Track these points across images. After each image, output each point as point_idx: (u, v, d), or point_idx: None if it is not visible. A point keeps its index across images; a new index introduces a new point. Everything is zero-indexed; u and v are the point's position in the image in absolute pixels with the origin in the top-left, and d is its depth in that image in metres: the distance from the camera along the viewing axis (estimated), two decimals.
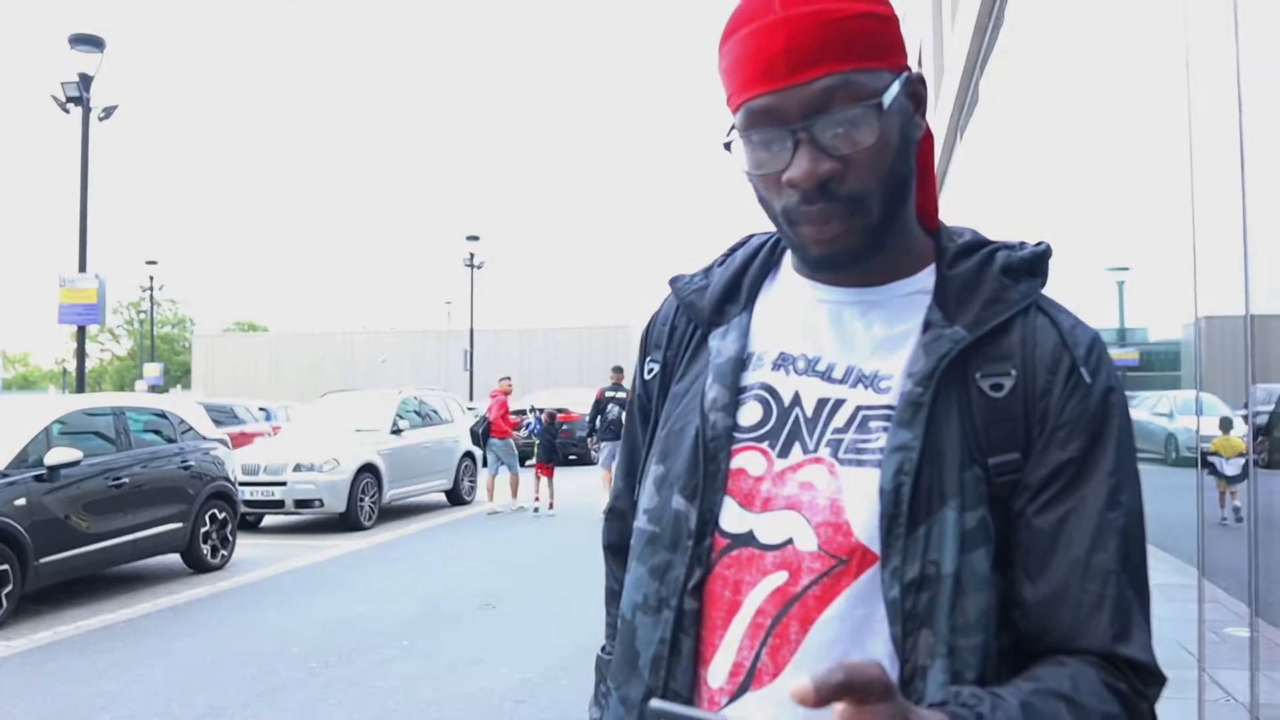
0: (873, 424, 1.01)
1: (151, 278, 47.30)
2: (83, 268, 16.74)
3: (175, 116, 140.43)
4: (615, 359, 19.06)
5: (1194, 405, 3.43)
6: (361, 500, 13.31)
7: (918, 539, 0.95)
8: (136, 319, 75.11)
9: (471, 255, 39.43)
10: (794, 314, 1.10)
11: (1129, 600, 0.94)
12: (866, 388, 1.03)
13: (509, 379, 15.79)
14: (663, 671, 1.03)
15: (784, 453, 1.04)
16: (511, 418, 15.52)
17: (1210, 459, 3.20)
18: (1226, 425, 3.02)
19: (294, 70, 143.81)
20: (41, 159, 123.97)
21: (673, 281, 1.22)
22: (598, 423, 14.52)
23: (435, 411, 16.41)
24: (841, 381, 1.04)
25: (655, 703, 0.78)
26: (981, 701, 0.86)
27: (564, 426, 18.62)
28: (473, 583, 9.18)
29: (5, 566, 7.66)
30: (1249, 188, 2.70)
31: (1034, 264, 1.06)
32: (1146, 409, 4.53)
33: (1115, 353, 5.00)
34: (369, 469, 13.60)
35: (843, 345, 1.06)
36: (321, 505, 12.94)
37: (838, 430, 1.02)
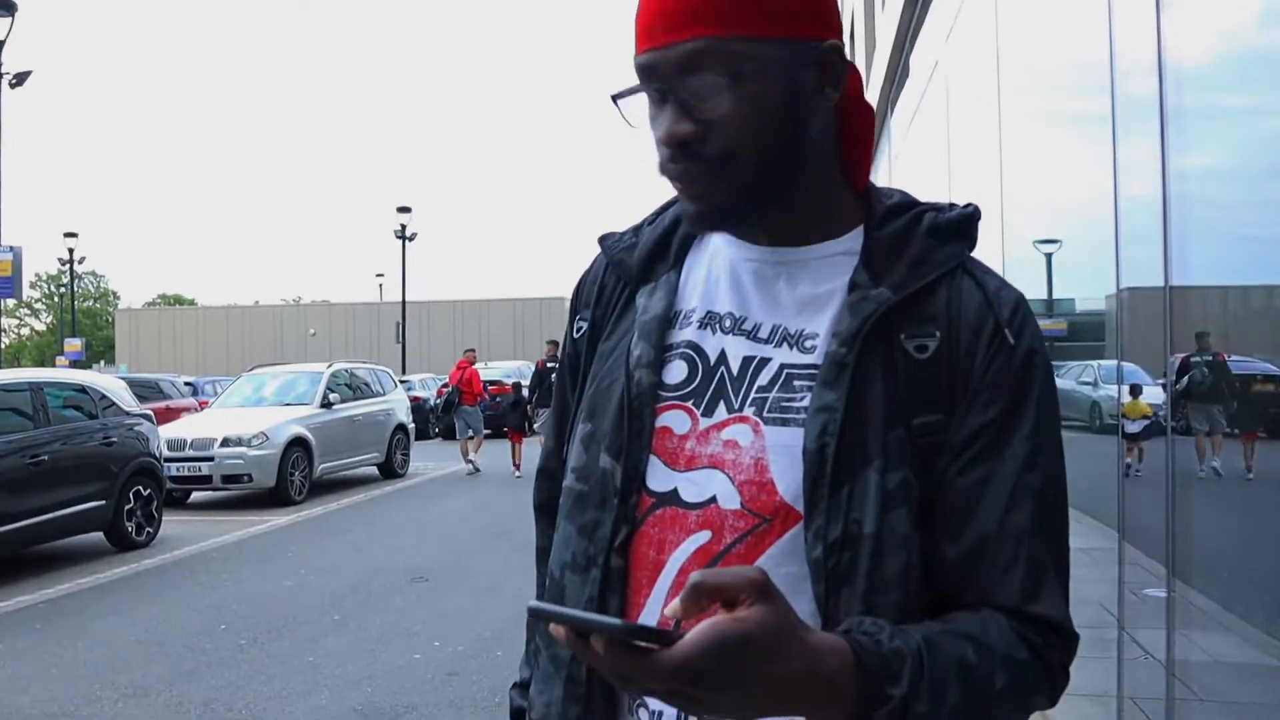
0: (797, 383, 1.01)
1: (71, 250, 45.78)
2: None
3: (94, 82, 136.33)
4: (551, 331, 19.83)
5: (1115, 374, 3.51)
6: (291, 475, 13.13)
7: (841, 499, 0.95)
8: (56, 293, 72.95)
9: (403, 227, 38.85)
10: (721, 273, 1.10)
11: (1042, 560, 0.96)
12: (792, 347, 1.03)
13: (474, 350, 17.42)
14: None
15: (708, 411, 1.04)
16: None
17: (1121, 420, 3.30)
18: (1136, 391, 3.12)
19: (221, 35, 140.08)
20: None
21: (602, 239, 1.21)
22: (536, 392, 15.68)
23: (367, 384, 16.25)
24: (767, 341, 1.04)
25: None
26: (882, 630, 0.87)
27: (496, 399, 19.12)
28: (404, 556, 9.12)
29: None
30: (1169, 162, 2.75)
31: (961, 226, 1.06)
32: (1072, 378, 4.63)
33: (1044, 323, 5.10)
34: (299, 443, 13.42)
35: (768, 305, 1.06)
36: (250, 480, 12.75)
37: (762, 389, 1.02)
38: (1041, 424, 0.98)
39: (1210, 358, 2.72)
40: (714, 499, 1.00)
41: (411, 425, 17.00)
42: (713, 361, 1.06)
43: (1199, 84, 2.74)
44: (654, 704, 1.01)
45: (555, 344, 15.83)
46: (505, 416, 16.62)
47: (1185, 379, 2.78)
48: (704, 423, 1.04)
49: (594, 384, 1.12)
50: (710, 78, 0.96)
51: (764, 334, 1.05)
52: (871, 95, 13.33)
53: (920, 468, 0.97)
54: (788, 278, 1.06)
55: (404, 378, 25.13)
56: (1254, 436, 2.67)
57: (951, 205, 1.08)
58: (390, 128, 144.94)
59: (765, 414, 1.01)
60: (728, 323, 1.07)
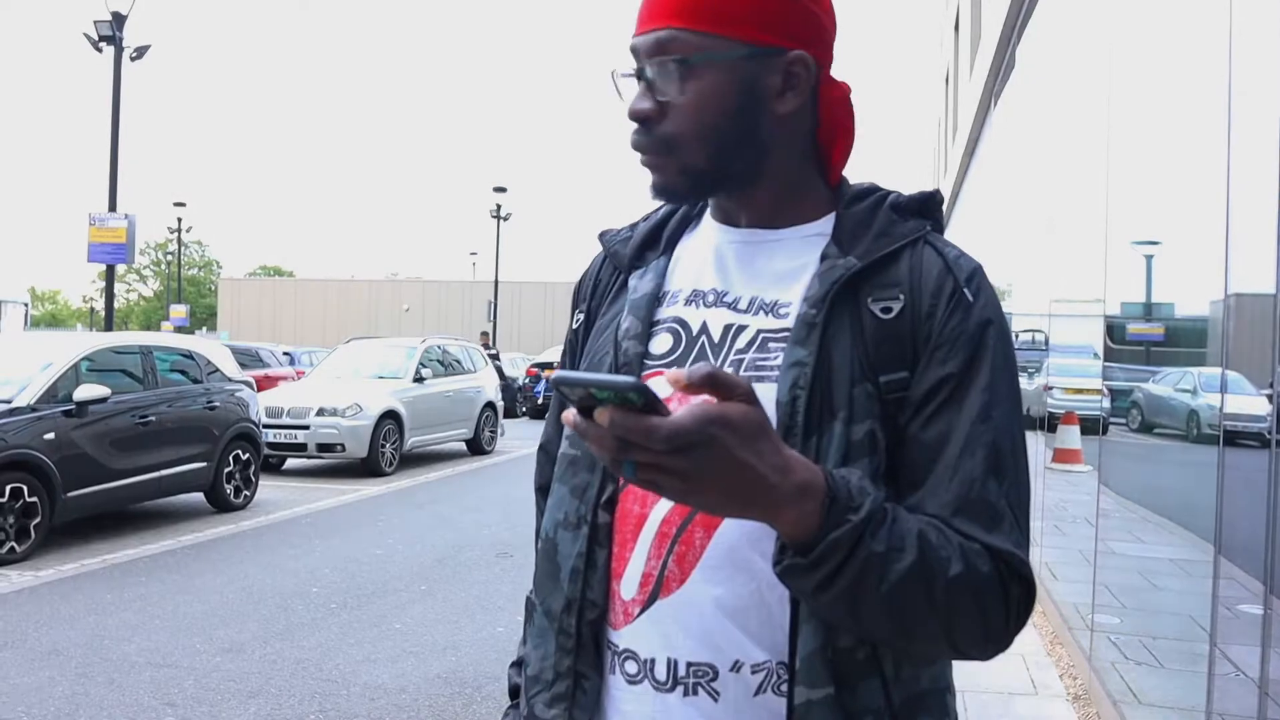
0: (772, 345, 1.09)
1: (179, 219, 47.46)
2: (113, 207, 16.86)
3: (207, 58, 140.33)
4: None
5: (1216, 382, 3.42)
6: (383, 446, 13.44)
7: (810, 449, 1.02)
8: (164, 261, 75.55)
9: (498, 207, 39.35)
10: (708, 255, 1.19)
11: (997, 503, 1.00)
12: (767, 314, 1.12)
13: None
14: (579, 582, 1.11)
15: None
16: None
17: None
18: None
19: (328, 13, 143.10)
20: (74, 97, 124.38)
21: (601, 235, 1.32)
22: None
23: (458, 361, 16.51)
24: (746, 311, 1.13)
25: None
26: (855, 473, 0.94)
27: None
28: (490, 531, 9.29)
29: (34, 499, 7.82)
30: None
31: (921, 205, 1.16)
32: (1169, 384, 4.51)
33: (1140, 327, 4.97)
34: (391, 416, 13.72)
35: (748, 279, 1.15)
36: (343, 450, 13.07)
37: (740, 351, 1.10)
38: (996, 381, 1.04)
39: None
40: None
41: (500, 403, 17.26)
42: (695, 332, 1.14)
43: None
44: (643, 653, 1.07)
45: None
46: None
47: None
48: None
49: (588, 359, 1.23)
50: (670, 64, 1.08)
51: (743, 305, 1.13)
52: (975, 87, 13.07)
53: (888, 423, 1.04)
54: (766, 255, 1.15)
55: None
56: None
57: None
58: (491, 107, 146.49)
59: (742, 372, 1.08)
60: (711, 297, 1.16)
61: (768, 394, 1.04)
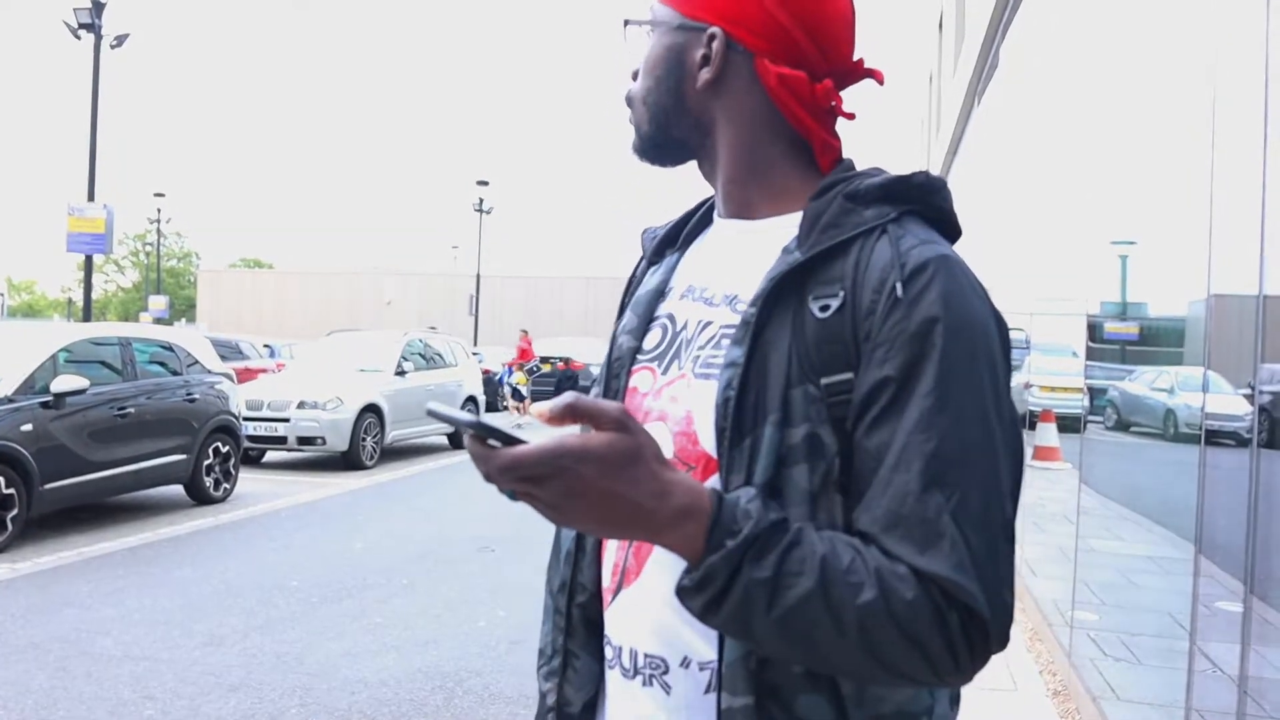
0: (724, 341, 1.08)
1: (159, 210, 47.11)
2: (91, 197, 16.73)
3: (187, 49, 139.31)
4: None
5: (1194, 381, 3.44)
6: (364, 440, 13.40)
7: (744, 450, 1.01)
8: (143, 251, 74.94)
9: (481, 200, 39.24)
10: (706, 250, 1.22)
11: (935, 522, 0.90)
12: (729, 309, 1.11)
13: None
14: (571, 565, 1.19)
15: (665, 370, 1.14)
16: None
17: None
18: None
19: (313, 6, 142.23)
20: (53, 85, 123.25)
21: (642, 233, 1.35)
22: None
23: (440, 355, 16.49)
24: (717, 305, 1.13)
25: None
26: (750, 495, 0.92)
27: (568, 375, 19.85)
28: (472, 526, 9.27)
29: (11, 491, 7.76)
30: (1271, 167, 2.69)
31: (885, 190, 1.06)
32: (1145, 383, 4.54)
33: (1115, 326, 4.99)
34: (372, 409, 13.68)
35: (724, 272, 1.15)
36: (324, 443, 13.03)
37: (700, 347, 1.11)
38: (946, 386, 0.94)
39: None
40: None
41: (482, 397, 17.24)
42: (678, 327, 1.16)
43: None
44: (615, 640, 1.13)
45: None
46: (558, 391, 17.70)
47: None
48: (660, 381, 1.14)
49: (606, 353, 1.26)
50: (639, 28, 1.18)
51: (716, 299, 1.13)
52: (958, 86, 13.11)
53: (839, 426, 0.99)
54: (742, 247, 1.14)
55: (476, 350, 25.44)
56: None
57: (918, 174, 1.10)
58: (475, 99, 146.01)
59: (696, 370, 1.09)
60: (697, 291, 1.17)
61: (710, 393, 1.05)
